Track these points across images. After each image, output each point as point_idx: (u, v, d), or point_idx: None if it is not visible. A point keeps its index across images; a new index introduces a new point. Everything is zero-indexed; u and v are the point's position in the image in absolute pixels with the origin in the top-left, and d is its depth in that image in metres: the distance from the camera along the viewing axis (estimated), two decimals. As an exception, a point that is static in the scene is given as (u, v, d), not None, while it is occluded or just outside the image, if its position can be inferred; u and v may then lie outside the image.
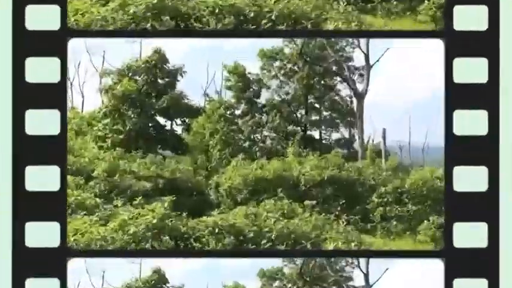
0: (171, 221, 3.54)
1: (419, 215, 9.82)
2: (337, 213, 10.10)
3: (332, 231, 5.13)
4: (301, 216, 5.43)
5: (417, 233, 9.19)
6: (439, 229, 8.79)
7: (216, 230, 4.26)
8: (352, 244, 4.62)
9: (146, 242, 3.12)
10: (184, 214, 4.56)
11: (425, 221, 9.32)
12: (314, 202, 6.75)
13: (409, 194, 10.23)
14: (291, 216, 5.71)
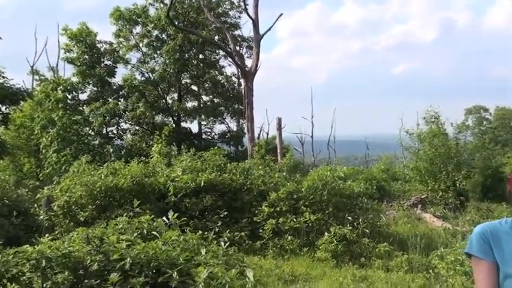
0: (-28, 254, 3.14)
1: (318, 226, 10.67)
2: (217, 229, 10.43)
3: (208, 254, 5.30)
4: (167, 237, 5.49)
5: (316, 249, 9.94)
6: (342, 242, 9.66)
7: (43, 263, 4.04)
8: (233, 270, 4.82)
9: None
10: (-5, 243, 4.16)
11: (326, 233, 10.18)
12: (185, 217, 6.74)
13: (306, 200, 11.08)
14: (152, 237, 5.70)
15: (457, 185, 19.34)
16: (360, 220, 10.83)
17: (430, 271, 8.37)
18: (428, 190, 20.09)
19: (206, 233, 9.36)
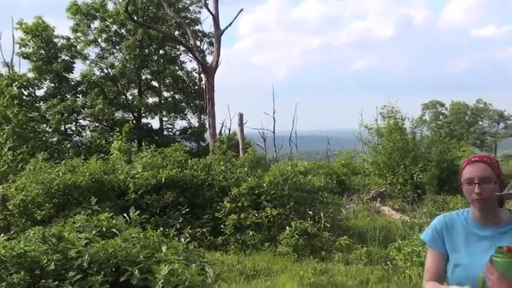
0: None
1: (280, 221, 10.77)
2: (178, 226, 10.41)
3: (169, 250, 5.26)
4: (127, 233, 5.43)
5: (278, 243, 10.03)
6: (303, 236, 9.78)
7: (-3, 264, 3.94)
8: (194, 266, 4.80)
9: None
10: None
11: (287, 228, 10.29)
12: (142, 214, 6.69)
13: (268, 195, 11.17)
14: (112, 235, 5.63)
15: (415, 178, 19.83)
16: (321, 214, 10.97)
17: (388, 263, 8.57)
18: (387, 184, 20.52)
19: (167, 229, 9.29)
